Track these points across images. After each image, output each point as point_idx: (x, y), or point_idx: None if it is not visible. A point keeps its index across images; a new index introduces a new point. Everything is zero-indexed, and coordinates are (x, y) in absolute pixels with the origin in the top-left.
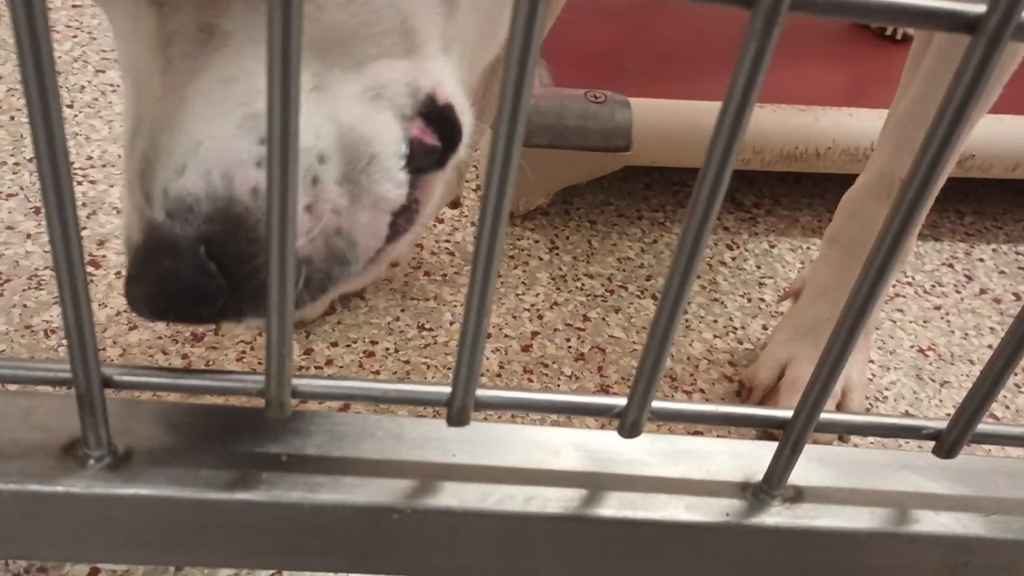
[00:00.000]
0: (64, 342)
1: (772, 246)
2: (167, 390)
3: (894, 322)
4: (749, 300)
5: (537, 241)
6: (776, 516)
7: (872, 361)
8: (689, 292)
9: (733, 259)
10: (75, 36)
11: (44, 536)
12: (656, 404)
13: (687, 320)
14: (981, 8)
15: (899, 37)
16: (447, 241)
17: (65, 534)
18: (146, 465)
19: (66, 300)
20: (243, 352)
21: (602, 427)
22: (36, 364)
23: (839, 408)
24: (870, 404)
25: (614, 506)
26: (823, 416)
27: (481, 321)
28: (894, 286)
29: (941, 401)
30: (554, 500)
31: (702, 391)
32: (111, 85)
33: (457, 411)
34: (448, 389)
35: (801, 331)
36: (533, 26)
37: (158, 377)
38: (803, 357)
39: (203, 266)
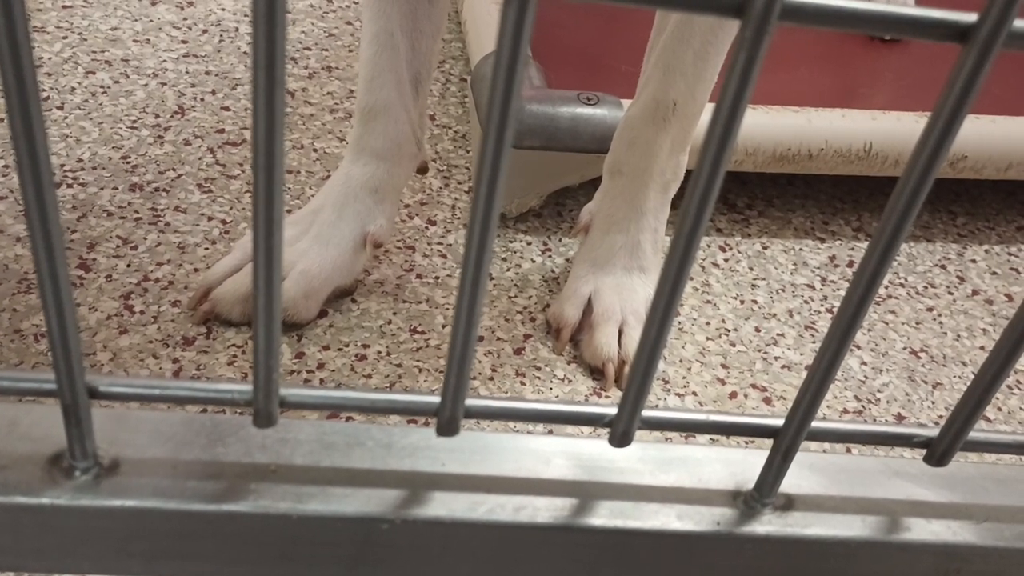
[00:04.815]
0: None
1: (765, 247)
2: (153, 400)
3: (886, 324)
4: (742, 302)
5: (530, 243)
6: (767, 525)
7: (864, 363)
8: (681, 294)
9: (726, 260)
10: (65, 37)
11: (31, 547)
12: (647, 413)
13: (679, 322)
14: (972, 17)
15: (887, 37)
16: (439, 243)
17: (52, 546)
18: (133, 476)
19: (50, 312)
20: (234, 356)
21: (594, 431)
22: (20, 374)
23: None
24: (862, 406)
25: (604, 515)
26: (814, 424)
27: (470, 331)
28: (886, 287)
29: (933, 403)
30: (544, 509)
31: (695, 394)
32: (101, 87)
33: (446, 421)
34: (437, 399)
35: (599, 263)
36: (521, 26)
37: (144, 387)
38: (605, 288)
39: None
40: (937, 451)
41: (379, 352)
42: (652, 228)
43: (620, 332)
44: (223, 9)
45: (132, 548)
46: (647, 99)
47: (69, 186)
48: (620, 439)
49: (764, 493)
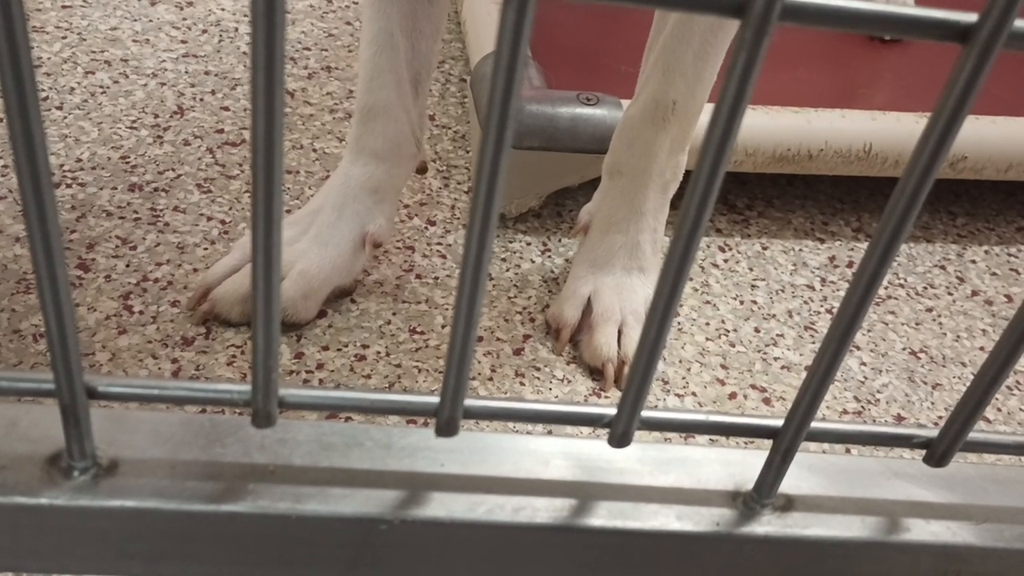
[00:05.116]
0: None
1: (764, 248)
2: (152, 400)
3: (886, 324)
4: (741, 302)
5: (529, 243)
6: (766, 525)
7: (864, 364)
8: (681, 295)
9: (725, 261)
10: (65, 37)
11: (29, 548)
12: (646, 413)
13: (679, 323)
14: (972, 17)
15: (887, 37)
16: (439, 244)
17: (50, 546)
18: (132, 476)
19: (49, 312)
20: (234, 356)
21: (593, 431)
22: (19, 375)
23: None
24: (862, 407)
25: (604, 516)
26: (813, 425)
27: (469, 331)
28: (886, 288)
29: (933, 404)
30: (544, 510)
31: (694, 394)
32: (101, 87)
33: (445, 422)
34: (436, 399)
35: (598, 263)
36: (521, 26)
37: (143, 388)
38: (605, 288)
39: None
40: (937, 452)
41: (378, 352)
42: (651, 228)
43: (619, 332)
44: (223, 9)
45: (130, 548)
46: (646, 99)
47: (68, 186)
48: (619, 439)
49: (763, 494)
